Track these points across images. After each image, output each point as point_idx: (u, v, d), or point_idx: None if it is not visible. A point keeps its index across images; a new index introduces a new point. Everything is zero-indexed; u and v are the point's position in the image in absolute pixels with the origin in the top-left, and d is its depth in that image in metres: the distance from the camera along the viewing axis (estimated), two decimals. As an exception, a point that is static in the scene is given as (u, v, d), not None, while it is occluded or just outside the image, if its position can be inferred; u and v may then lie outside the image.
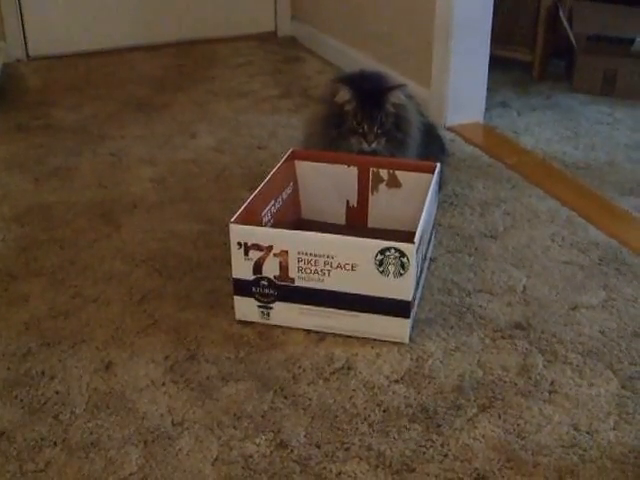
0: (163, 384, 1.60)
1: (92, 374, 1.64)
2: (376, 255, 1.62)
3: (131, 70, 3.69)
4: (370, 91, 2.06)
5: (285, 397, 1.57)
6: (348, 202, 2.09)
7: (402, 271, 1.63)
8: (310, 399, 1.56)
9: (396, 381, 1.61)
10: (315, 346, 1.72)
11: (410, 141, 2.14)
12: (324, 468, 1.39)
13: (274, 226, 1.90)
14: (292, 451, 1.43)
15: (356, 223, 2.11)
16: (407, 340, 1.72)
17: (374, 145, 2.06)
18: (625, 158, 2.66)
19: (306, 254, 1.67)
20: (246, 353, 1.70)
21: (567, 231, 2.18)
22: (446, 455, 1.43)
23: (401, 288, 1.66)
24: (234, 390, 1.59)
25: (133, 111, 3.14)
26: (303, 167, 2.08)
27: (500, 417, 1.51)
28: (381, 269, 1.63)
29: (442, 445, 1.45)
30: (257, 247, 1.69)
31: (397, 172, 2.02)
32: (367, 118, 2.05)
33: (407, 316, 1.69)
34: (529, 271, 2.00)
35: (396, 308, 1.68)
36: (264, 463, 1.40)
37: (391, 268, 1.63)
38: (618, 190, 2.42)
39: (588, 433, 1.48)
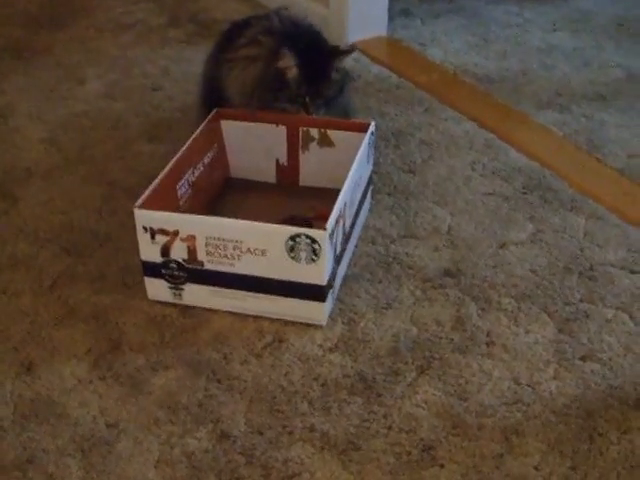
0: (90, 382, 1.61)
1: (14, 379, 1.62)
2: (286, 241, 1.64)
3: (1, 7, 3.54)
4: (315, 57, 2.00)
5: (219, 381, 1.60)
6: (278, 161, 2.14)
7: (314, 257, 1.65)
8: (245, 380, 1.60)
9: (330, 349, 1.66)
10: (242, 321, 1.75)
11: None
12: (270, 457, 1.44)
13: (195, 193, 1.94)
14: (235, 442, 1.47)
15: (287, 181, 2.15)
16: (324, 322, 1.74)
17: (314, 115, 2.05)
18: (539, 65, 2.72)
19: (214, 239, 1.68)
20: (171, 336, 1.72)
21: (487, 157, 2.24)
22: (390, 427, 1.49)
23: (314, 273, 1.68)
24: (164, 380, 1.61)
25: (10, 57, 3.02)
26: (229, 126, 2.11)
27: (440, 379, 1.58)
28: (292, 255, 1.65)
29: (385, 417, 1.51)
30: (163, 232, 1.71)
31: (329, 131, 2.05)
32: (311, 90, 2.01)
33: (322, 300, 1.71)
34: (452, 208, 2.06)
35: (310, 292, 1.70)
36: (208, 459, 1.44)
37: (302, 254, 1.65)
38: (535, 103, 2.49)
39: (529, 386, 1.56)
